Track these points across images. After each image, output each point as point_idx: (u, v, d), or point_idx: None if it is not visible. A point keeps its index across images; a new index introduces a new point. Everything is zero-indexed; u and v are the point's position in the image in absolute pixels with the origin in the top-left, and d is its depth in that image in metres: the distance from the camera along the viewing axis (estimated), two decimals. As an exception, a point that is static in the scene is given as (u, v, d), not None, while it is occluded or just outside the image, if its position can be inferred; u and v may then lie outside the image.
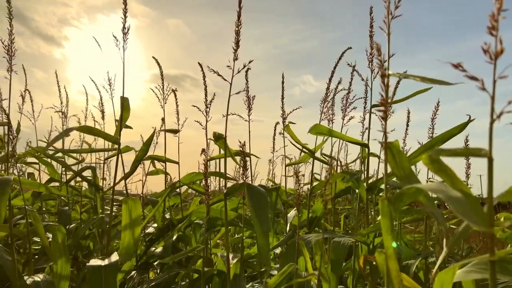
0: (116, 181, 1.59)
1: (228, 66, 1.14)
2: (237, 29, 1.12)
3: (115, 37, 1.38)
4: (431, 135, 1.54)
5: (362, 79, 1.41)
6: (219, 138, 1.40)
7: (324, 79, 1.58)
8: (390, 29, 0.63)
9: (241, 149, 1.24)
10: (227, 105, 1.22)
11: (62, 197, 2.40)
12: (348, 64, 1.43)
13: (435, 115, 1.53)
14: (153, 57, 1.86)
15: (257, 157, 1.83)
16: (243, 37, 1.14)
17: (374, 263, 1.13)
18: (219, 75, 1.18)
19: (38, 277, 1.40)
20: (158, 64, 1.85)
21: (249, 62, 1.14)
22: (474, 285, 0.82)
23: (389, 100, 0.62)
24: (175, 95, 1.88)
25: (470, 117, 1.03)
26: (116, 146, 1.57)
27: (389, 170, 0.69)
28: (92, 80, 2.13)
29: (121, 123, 1.51)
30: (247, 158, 1.72)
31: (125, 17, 1.38)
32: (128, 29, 1.39)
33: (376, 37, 1.25)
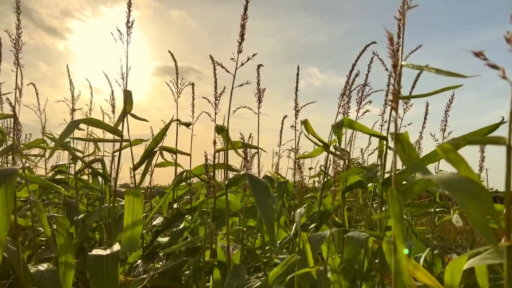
0: (134, 173, 1.58)
1: (232, 59, 1.15)
2: (242, 22, 1.12)
3: (119, 31, 1.37)
4: (444, 127, 1.53)
5: (386, 69, 1.38)
6: (222, 130, 1.41)
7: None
8: (405, 19, 0.62)
9: (242, 141, 1.24)
10: (230, 98, 1.22)
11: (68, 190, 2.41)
12: (374, 53, 1.40)
13: (449, 108, 1.51)
14: (169, 51, 1.87)
15: (264, 150, 1.83)
16: (251, 31, 1.15)
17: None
18: (222, 67, 1.19)
19: (42, 267, 1.42)
20: (173, 58, 1.86)
21: (253, 55, 1.15)
22: (487, 273, 0.82)
23: (401, 91, 0.62)
24: (193, 89, 1.89)
25: (503, 118, 0.98)
26: (125, 137, 1.58)
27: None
28: (105, 75, 2.13)
29: (124, 115, 1.51)
30: (255, 151, 1.72)
31: (130, 10, 1.36)
32: (132, 23, 1.38)
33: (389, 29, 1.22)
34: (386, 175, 1.33)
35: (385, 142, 1.40)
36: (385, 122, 1.66)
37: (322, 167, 2.46)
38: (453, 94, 1.49)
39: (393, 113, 0.60)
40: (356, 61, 1.52)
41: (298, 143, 2.54)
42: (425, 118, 1.74)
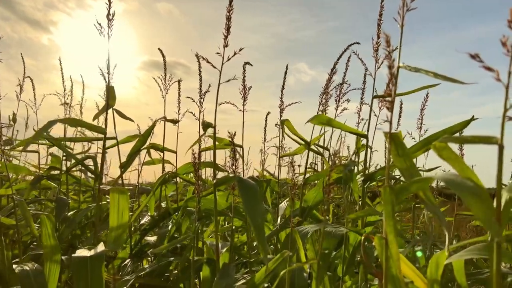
0: (122, 171, 1.57)
1: (217, 53, 1.12)
2: (228, 14, 1.09)
3: (100, 24, 1.30)
4: (419, 125, 1.57)
5: (366, 69, 1.41)
6: (208, 127, 1.40)
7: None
8: (404, 21, 0.63)
9: (230, 139, 1.23)
10: (217, 94, 1.20)
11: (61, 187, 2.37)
12: (354, 53, 1.42)
13: (424, 107, 1.56)
14: (159, 49, 1.84)
15: (241, 151, 1.82)
16: (239, 26, 1.13)
17: (368, 243, 1.15)
18: (208, 62, 1.15)
19: (27, 266, 1.38)
20: (163, 55, 1.83)
21: (240, 50, 1.12)
22: (463, 268, 0.85)
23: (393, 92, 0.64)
24: (179, 85, 1.87)
25: (473, 116, 1.05)
26: (113, 135, 1.56)
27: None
28: (100, 69, 2.07)
29: (107, 112, 1.49)
30: (239, 149, 1.73)
31: (110, 2, 1.32)
32: (113, 16, 1.31)
33: (368, 30, 1.26)
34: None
35: (363, 140, 1.43)
36: (362, 119, 1.69)
37: (300, 165, 2.49)
38: (428, 94, 1.53)
39: (388, 113, 0.61)
40: (338, 59, 1.53)
41: (282, 141, 2.56)
42: (399, 116, 1.78)
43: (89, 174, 2.42)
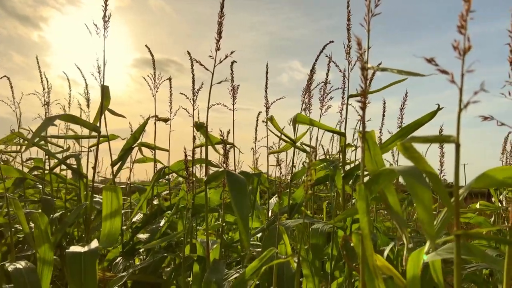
0: (113, 169, 1.59)
1: (210, 56, 1.15)
2: (219, 20, 1.13)
3: (96, 25, 1.36)
4: (400, 124, 1.60)
5: (340, 71, 1.45)
6: (201, 127, 1.43)
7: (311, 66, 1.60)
8: (370, 26, 0.66)
9: (222, 138, 1.25)
10: (209, 95, 1.23)
11: (45, 186, 2.37)
12: (326, 56, 1.46)
13: (403, 106, 1.59)
14: (146, 46, 1.84)
15: (235, 146, 1.84)
16: (230, 25, 1.15)
17: (351, 244, 1.18)
18: (201, 64, 1.19)
19: (20, 264, 1.40)
20: (151, 53, 1.83)
21: (231, 53, 1.16)
22: (440, 267, 0.87)
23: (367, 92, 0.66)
24: (170, 83, 1.87)
25: (439, 106, 1.10)
26: (103, 132, 1.57)
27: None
28: (78, 68, 2.08)
29: (102, 111, 1.51)
30: (230, 147, 1.75)
31: (106, 5, 1.35)
32: (109, 17, 1.36)
33: (357, 29, 1.30)
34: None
35: (343, 138, 1.47)
36: (344, 119, 1.71)
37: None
38: (406, 93, 1.56)
39: (361, 112, 0.63)
40: (316, 60, 1.56)
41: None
42: (383, 116, 1.81)
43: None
